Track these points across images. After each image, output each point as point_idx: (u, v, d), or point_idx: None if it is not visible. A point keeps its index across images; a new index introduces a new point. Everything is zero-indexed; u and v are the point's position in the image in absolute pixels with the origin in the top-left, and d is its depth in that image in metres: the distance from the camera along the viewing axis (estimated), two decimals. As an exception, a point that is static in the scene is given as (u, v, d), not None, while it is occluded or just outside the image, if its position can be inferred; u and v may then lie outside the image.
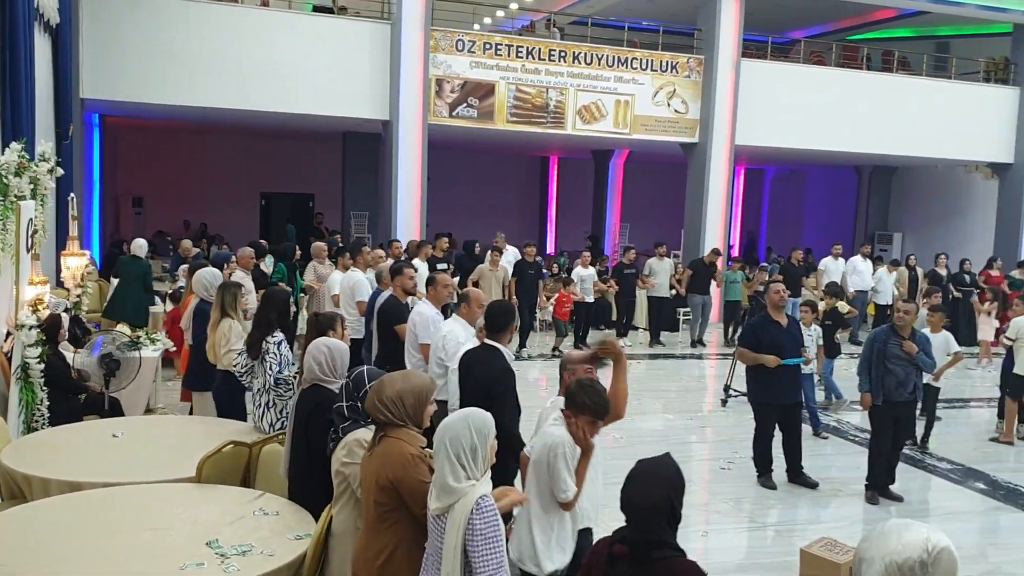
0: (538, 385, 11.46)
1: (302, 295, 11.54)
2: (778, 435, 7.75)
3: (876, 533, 2.22)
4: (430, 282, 7.12)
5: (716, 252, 15.36)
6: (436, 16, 15.33)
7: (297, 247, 12.57)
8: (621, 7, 19.27)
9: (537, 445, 4.10)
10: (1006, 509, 7.52)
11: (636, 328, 15.85)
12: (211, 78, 13.91)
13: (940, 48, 22.50)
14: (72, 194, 9.86)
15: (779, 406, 7.63)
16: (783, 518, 7.14)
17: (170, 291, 11.32)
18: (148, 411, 8.02)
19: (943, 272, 16.23)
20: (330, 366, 4.45)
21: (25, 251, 7.00)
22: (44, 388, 6.31)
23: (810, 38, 21.81)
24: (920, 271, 16.49)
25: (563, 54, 16.10)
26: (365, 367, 4.12)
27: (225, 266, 9.71)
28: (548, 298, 14.51)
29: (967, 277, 16.04)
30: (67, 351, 7.13)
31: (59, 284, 9.91)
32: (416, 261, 11.21)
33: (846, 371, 11.79)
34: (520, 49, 15.87)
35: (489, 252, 13.34)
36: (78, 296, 9.17)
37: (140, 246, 11.33)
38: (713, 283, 14.97)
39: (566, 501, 3.99)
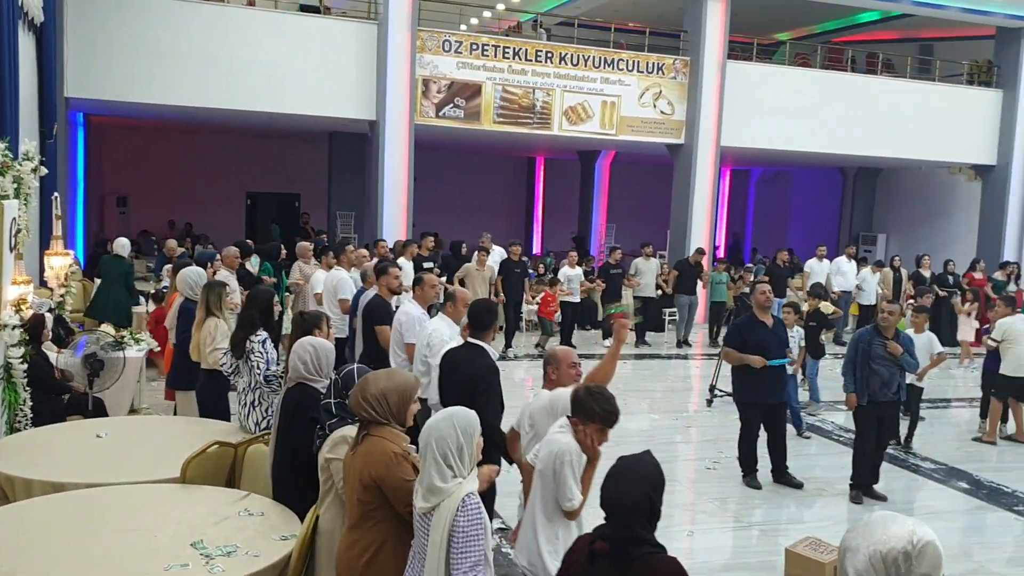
0: (524, 385, 11.46)
1: (287, 294, 11.52)
2: (763, 435, 7.79)
3: (862, 523, 2.23)
4: (417, 282, 7.12)
5: (700, 251, 15.40)
6: (423, 16, 15.32)
7: (283, 247, 12.55)
8: (607, 9, 19.30)
9: (543, 453, 4.02)
10: (989, 508, 7.57)
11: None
12: (197, 77, 13.84)
13: (924, 51, 22.64)
14: (56, 193, 9.80)
15: (764, 406, 7.66)
16: (768, 518, 7.17)
17: (153, 291, 11.28)
18: (132, 411, 7.99)
19: (927, 273, 16.33)
20: (315, 365, 4.45)
21: (8, 251, 6.95)
22: (27, 388, 6.27)
23: (796, 40, 21.94)
24: (904, 272, 16.59)
25: (550, 55, 16.11)
26: (355, 365, 4.13)
27: (209, 265, 9.69)
28: (533, 297, 14.52)
29: (950, 278, 16.14)
30: (50, 351, 7.10)
31: (42, 284, 9.85)
32: (401, 260, 11.20)
33: (831, 371, 11.85)
34: (507, 50, 15.87)
35: (476, 252, 13.37)
36: (62, 296, 9.12)
37: (123, 246, 11.27)
38: (699, 283, 15.02)
39: (572, 509, 3.95)
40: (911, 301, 12.58)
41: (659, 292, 15.07)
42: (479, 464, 3.31)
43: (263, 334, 5.81)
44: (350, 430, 3.72)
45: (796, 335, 9.46)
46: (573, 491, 3.90)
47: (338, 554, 3.54)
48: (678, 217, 17.75)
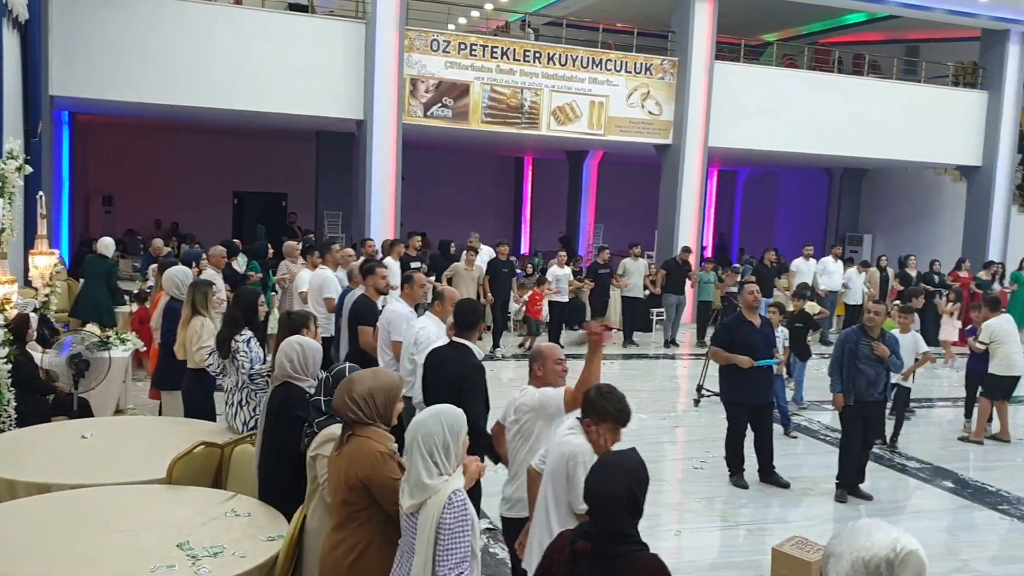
0: (511, 385, 11.45)
1: (273, 294, 11.48)
2: (750, 435, 7.81)
3: (847, 530, 2.24)
4: (407, 280, 7.12)
5: (687, 249, 15.44)
6: (411, 16, 15.30)
7: (269, 246, 12.51)
8: (595, 9, 19.32)
9: (553, 455, 3.93)
10: (974, 507, 7.62)
11: (609, 329, 15.86)
12: (183, 76, 13.78)
13: (910, 52, 22.76)
14: (41, 192, 9.73)
15: (751, 406, 7.68)
16: (755, 517, 7.19)
17: (136, 291, 11.23)
18: (118, 411, 7.96)
19: (913, 273, 16.41)
20: (302, 364, 4.44)
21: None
22: (11, 389, 6.24)
23: (783, 41, 22.02)
24: (891, 272, 16.67)
25: (538, 55, 16.11)
26: (347, 364, 4.13)
27: (194, 264, 9.66)
28: (520, 296, 14.51)
29: (936, 278, 16.22)
30: (35, 351, 7.06)
31: (27, 283, 9.79)
32: (388, 260, 11.19)
33: (817, 371, 11.89)
34: (495, 50, 15.87)
35: (465, 251, 13.37)
36: (46, 296, 9.07)
37: (106, 245, 11.20)
38: (688, 283, 15.06)
39: (585, 512, 3.89)
40: (897, 301, 12.62)
41: (647, 292, 15.10)
42: None
43: (248, 333, 5.81)
44: (338, 429, 3.71)
45: (781, 335, 9.49)
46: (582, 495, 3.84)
47: (322, 555, 3.53)
48: (666, 217, 17.78)
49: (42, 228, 9.37)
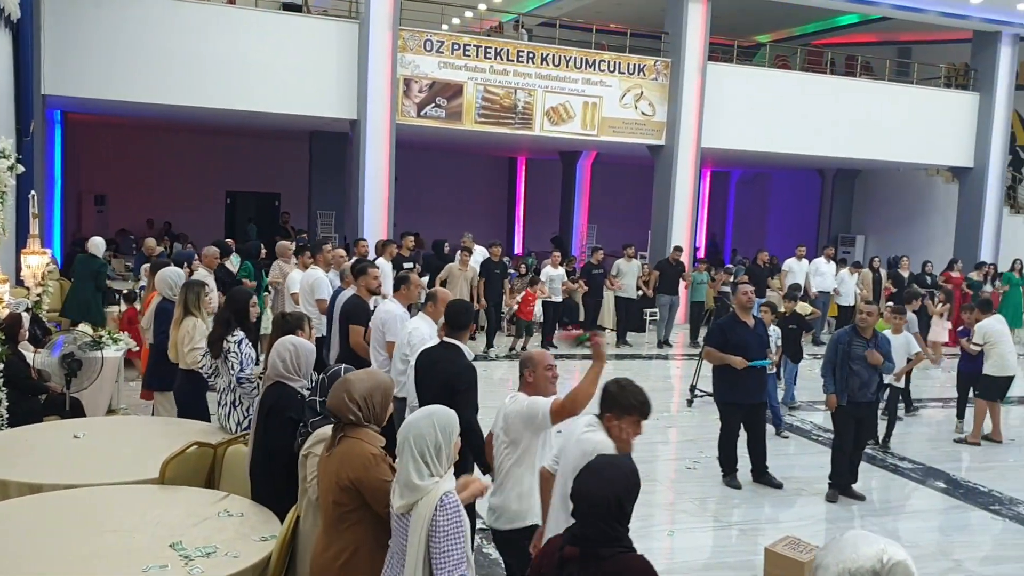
0: (503, 385, 11.45)
1: (266, 294, 11.46)
2: (743, 435, 7.82)
3: (835, 541, 2.25)
4: (404, 280, 7.11)
5: (678, 249, 15.47)
6: (404, 16, 15.29)
7: (262, 246, 12.49)
8: (589, 10, 19.35)
9: (572, 453, 3.84)
10: (966, 507, 7.64)
11: (603, 328, 15.91)
12: (176, 75, 13.75)
13: (902, 53, 22.84)
14: (33, 191, 9.71)
15: (745, 406, 7.70)
16: (748, 517, 7.20)
17: (125, 291, 11.19)
18: (110, 411, 7.94)
19: (905, 274, 16.45)
20: (294, 364, 4.44)
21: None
22: (3, 388, 6.22)
23: (776, 42, 22.06)
24: (884, 273, 16.71)
25: (531, 55, 16.12)
26: (342, 366, 4.12)
27: (185, 264, 9.63)
28: (513, 298, 14.48)
29: (928, 279, 16.27)
30: (27, 351, 7.03)
31: (19, 283, 9.77)
32: (380, 261, 11.18)
33: (809, 371, 11.92)
34: (488, 50, 15.87)
35: (459, 252, 13.37)
36: (38, 295, 9.04)
37: (96, 244, 11.15)
38: (682, 283, 15.07)
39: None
40: (890, 303, 12.64)
41: (640, 293, 15.12)
42: (455, 466, 3.29)
43: (240, 334, 5.80)
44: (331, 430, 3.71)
45: (773, 334, 9.51)
46: None
47: (313, 556, 3.53)
48: (659, 218, 17.80)
49: (34, 227, 9.34)
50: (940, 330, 13.33)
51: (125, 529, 4.00)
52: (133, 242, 17.84)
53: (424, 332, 6.06)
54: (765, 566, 5.32)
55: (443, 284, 12.73)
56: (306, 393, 4.41)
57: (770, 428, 8.84)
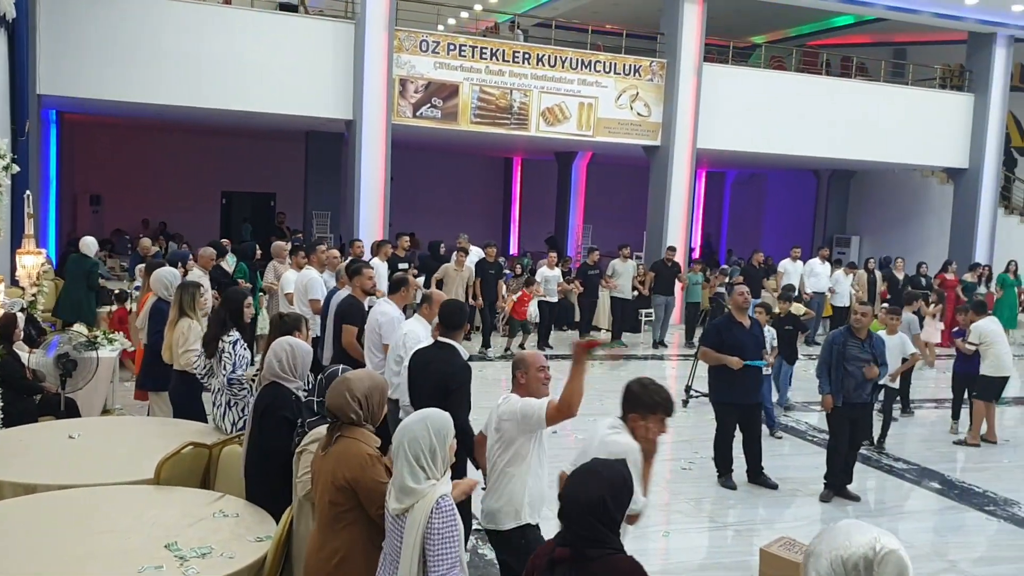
0: (498, 385, 11.45)
1: (261, 295, 11.45)
2: (738, 436, 7.83)
3: (828, 530, 2.26)
4: (404, 283, 7.12)
5: (672, 249, 15.49)
6: (400, 16, 15.29)
7: (257, 246, 12.48)
8: (585, 10, 19.36)
9: (599, 456, 3.74)
10: (960, 508, 7.66)
11: (598, 329, 15.93)
12: (172, 75, 13.74)
13: (897, 55, 22.88)
14: (28, 191, 9.69)
15: (740, 406, 7.71)
16: (743, 518, 7.21)
17: (116, 291, 11.17)
18: (105, 412, 7.93)
19: (900, 275, 16.49)
20: (290, 364, 4.43)
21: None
22: (-2, 389, 6.21)
23: (771, 43, 22.09)
24: (879, 274, 16.74)
25: (527, 56, 16.13)
26: (340, 366, 4.12)
27: (179, 264, 9.63)
28: (509, 296, 14.48)
29: (923, 280, 16.31)
30: (22, 351, 7.02)
31: (14, 283, 9.75)
32: (376, 261, 11.18)
33: (805, 371, 11.93)
34: (484, 50, 15.88)
35: (455, 252, 13.38)
36: (33, 295, 9.03)
37: (87, 244, 11.13)
38: (677, 283, 15.09)
39: (637, 512, 3.74)
40: (884, 304, 12.67)
41: (635, 293, 15.13)
42: (455, 470, 3.29)
43: (235, 335, 5.80)
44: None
45: (769, 335, 9.52)
46: (638, 493, 3.71)
47: (307, 555, 3.53)
48: (654, 219, 17.82)
49: (29, 227, 9.33)
50: (932, 331, 13.35)
51: (120, 530, 3.99)
52: (128, 242, 17.81)
53: (419, 334, 6.07)
54: (760, 567, 5.32)
55: (439, 284, 12.75)
56: (302, 394, 4.41)
57: (764, 429, 8.85)
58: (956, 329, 10.80)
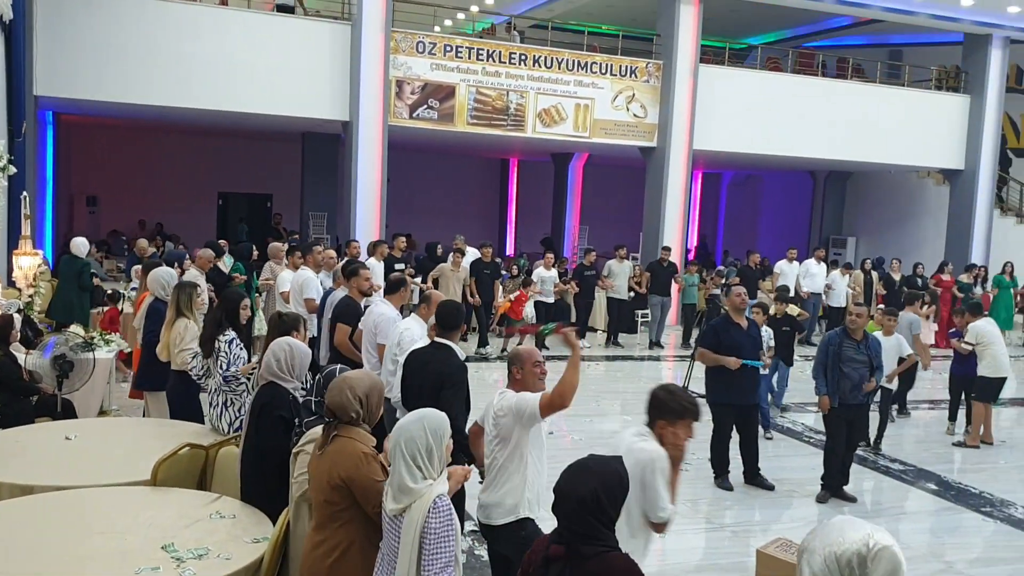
0: (496, 385, 11.45)
1: (257, 295, 11.45)
2: (734, 437, 7.84)
3: (822, 526, 2.27)
4: (402, 283, 7.13)
5: (667, 249, 15.50)
6: (396, 17, 15.28)
7: (254, 247, 12.47)
8: (581, 12, 19.36)
9: (627, 464, 3.55)
10: (956, 509, 7.67)
11: (594, 330, 15.94)
12: (168, 76, 13.72)
13: (893, 56, 22.92)
14: (25, 193, 9.70)
15: (737, 407, 7.71)
16: (740, 519, 7.22)
17: (110, 292, 11.16)
18: (102, 413, 7.92)
19: (897, 276, 16.51)
20: (288, 364, 4.44)
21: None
22: (-6, 390, 6.20)
23: (767, 44, 22.11)
24: (875, 275, 16.76)
25: (523, 57, 16.14)
26: (338, 366, 4.13)
27: (176, 264, 9.63)
28: (506, 297, 14.48)
29: (919, 281, 16.33)
30: (18, 352, 7.01)
31: (11, 284, 9.74)
32: (372, 261, 11.19)
33: (801, 372, 11.94)
34: (480, 52, 15.88)
35: (452, 253, 13.39)
36: (30, 296, 9.03)
37: (78, 245, 11.10)
38: (674, 284, 15.10)
39: (665, 520, 3.77)
40: (881, 305, 12.69)
41: (632, 294, 15.14)
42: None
43: (231, 334, 5.81)
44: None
45: (766, 335, 9.52)
46: (666, 500, 3.74)
47: (303, 554, 3.53)
48: (650, 220, 17.83)
49: (26, 229, 9.34)
50: (926, 332, 13.39)
51: (117, 531, 3.99)
52: (125, 243, 17.80)
53: (416, 333, 6.08)
54: (757, 568, 5.32)
55: (435, 283, 12.76)
56: (300, 395, 4.42)
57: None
58: (953, 330, 10.82)
